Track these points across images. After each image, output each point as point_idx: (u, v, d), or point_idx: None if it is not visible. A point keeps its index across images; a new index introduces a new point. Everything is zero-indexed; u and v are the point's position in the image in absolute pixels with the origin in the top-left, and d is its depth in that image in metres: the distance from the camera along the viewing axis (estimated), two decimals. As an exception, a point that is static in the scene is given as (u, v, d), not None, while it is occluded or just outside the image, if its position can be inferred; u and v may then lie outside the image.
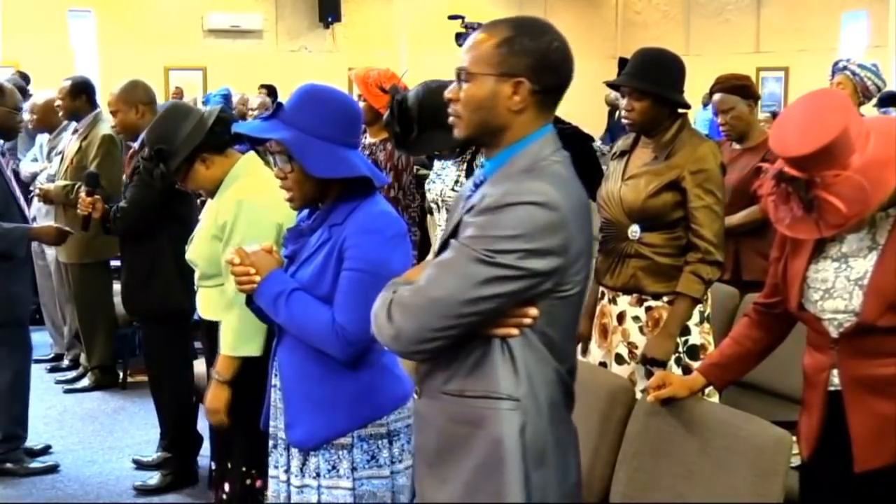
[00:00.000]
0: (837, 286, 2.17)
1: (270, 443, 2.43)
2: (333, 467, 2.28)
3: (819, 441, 2.24)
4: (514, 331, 1.77)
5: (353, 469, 2.27)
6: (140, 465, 4.34)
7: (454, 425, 1.84)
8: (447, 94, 1.87)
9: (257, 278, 2.26)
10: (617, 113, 10.78)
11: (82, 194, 4.19)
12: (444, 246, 1.84)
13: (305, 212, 2.38)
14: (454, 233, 1.82)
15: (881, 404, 2.13)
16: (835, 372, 2.20)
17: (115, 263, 5.51)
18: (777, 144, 2.11)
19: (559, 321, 1.82)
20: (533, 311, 1.76)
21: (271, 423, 2.42)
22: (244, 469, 2.98)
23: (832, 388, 2.21)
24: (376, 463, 2.29)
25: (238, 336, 2.80)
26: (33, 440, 4.68)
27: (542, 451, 1.81)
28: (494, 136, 1.84)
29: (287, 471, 2.37)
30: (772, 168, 2.16)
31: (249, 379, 2.79)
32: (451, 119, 1.87)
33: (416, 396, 1.96)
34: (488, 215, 1.73)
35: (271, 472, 2.43)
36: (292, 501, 2.35)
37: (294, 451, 2.34)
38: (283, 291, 2.23)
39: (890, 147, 2.05)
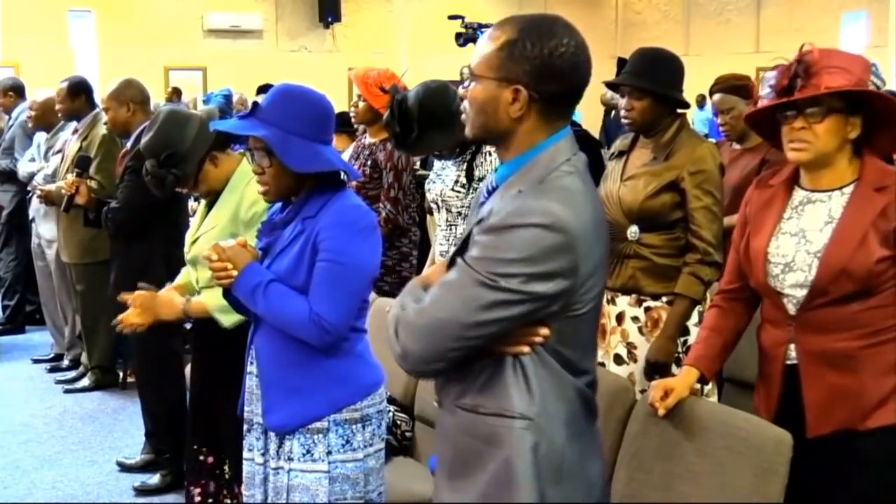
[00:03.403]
0: (797, 260, 2.32)
1: (245, 427, 2.51)
2: (309, 451, 2.36)
3: (776, 410, 2.41)
4: (525, 349, 1.74)
5: (329, 453, 2.35)
6: (123, 468, 4.33)
7: (469, 440, 1.81)
8: (461, 91, 1.85)
9: (234, 272, 2.33)
10: (613, 112, 10.78)
11: (69, 175, 4.18)
12: (453, 259, 1.79)
13: (278, 205, 2.46)
14: (465, 245, 1.77)
15: (835, 376, 2.30)
16: (792, 346, 2.36)
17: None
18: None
19: (573, 339, 1.79)
20: (544, 331, 1.73)
21: (247, 408, 2.50)
22: (195, 447, 3.21)
23: (789, 362, 2.37)
24: (351, 447, 2.38)
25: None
26: (33, 440, 4.68)
27: (559, 467, 1.77)
28: (501, 140, 1.81)
29: (263, 454, 2.45)
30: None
31: (222, 362, 2.96)
32: (462, 117, 1.85)
33: (436, 405, 1.95)
34: (493, 235, 1.69)
35: (245, 454, 2.51)
36: (269, 482, 2.43)
37: (272, 434, 2.42)
38: (260, 283, 2.31)
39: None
